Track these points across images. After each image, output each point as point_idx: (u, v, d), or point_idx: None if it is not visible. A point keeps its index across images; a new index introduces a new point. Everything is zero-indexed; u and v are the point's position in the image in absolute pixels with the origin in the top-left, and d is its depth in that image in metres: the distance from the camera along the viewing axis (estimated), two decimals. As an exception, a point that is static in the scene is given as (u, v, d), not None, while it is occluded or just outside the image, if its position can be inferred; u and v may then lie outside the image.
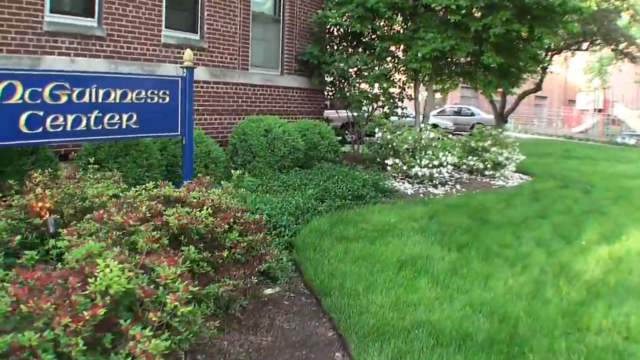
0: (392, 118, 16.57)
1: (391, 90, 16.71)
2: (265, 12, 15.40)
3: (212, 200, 5.55)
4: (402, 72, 17.21)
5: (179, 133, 9.07)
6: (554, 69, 34.70)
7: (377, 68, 15.55)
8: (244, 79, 14.40)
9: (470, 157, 15.10)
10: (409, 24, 16.23)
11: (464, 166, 15.28)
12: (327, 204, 10.26)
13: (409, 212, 10.35)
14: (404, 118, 17.30)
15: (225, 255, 5.06)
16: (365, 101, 15.87)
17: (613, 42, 32.24)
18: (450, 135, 16.24)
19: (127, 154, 9.47)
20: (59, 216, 5.63)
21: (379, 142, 14.31)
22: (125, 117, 8.22)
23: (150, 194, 5.58)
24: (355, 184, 11.38)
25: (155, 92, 8.61)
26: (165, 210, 5.07)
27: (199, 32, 13.54)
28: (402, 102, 17.30)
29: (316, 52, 15.60)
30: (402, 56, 16.59)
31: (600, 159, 22.76)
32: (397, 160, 13.35)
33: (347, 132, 18.72)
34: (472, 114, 37.84)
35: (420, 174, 12.92)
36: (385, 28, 16.34)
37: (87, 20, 11.36)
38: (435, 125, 31.71)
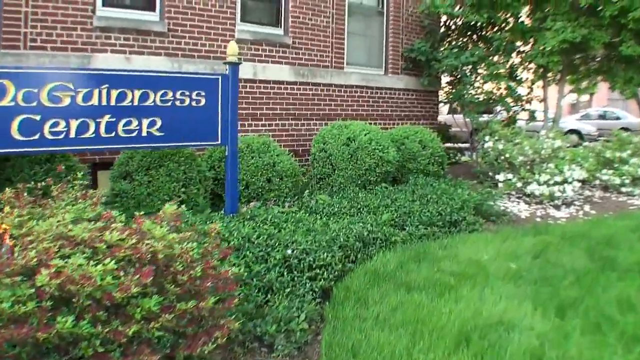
0: (519, 123, 13.93)
1: (518, 90, 14.02)
2: (365, 2, 13.13)
3: (150, 245, 3.77)
4: (529, 69, 14.42)
5: (219, 142, 7.65)
6: None
7: (495, 65, 12.81)
8: (338, 79, 12.26)
9: (604, 171, 12.17)
10: (535, 12, 13.45)
11: (597, 181, 12.35)
12: (407, 232, 8.15)
13: (511, 245, 7.94)
14: (534, 122, 14.45)
15: (130, 333, 3.39)
16: (481, 104, 13.16)
17: None
18: (585, 143, 13.25)
19: (162, 166, 7.98)
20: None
21: (490, 153, 11.65)
22: (145, 122, 6.93)
23: (59, 231, 3.83)
24: (451, 206, 9.10)
25: (187, 93, 7.24)
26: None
27: (282, 26, 11.60)
28: (530, 104, 14.52)
29: (425, 47, 13.17)
30: (528, 51, 13.76)
31: None
32: (510, 176, 10.78)
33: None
34: (618, 118, 33.59)
35: (537, 192, 10.32)
36: (508, 18, 13.63)
37: (146, 14, 9.87)
38: (575, 131, 28.88)
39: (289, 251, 6.24)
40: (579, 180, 10.86)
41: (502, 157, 11.33)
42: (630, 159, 12.10)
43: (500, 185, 10.93)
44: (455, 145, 16.95)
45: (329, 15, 12.00)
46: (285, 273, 5.90)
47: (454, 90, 13.74)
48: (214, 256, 4.35)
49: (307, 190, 9.88)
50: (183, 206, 4.92)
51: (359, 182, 10.16)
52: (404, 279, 6.46)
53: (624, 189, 12.04)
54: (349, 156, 10.11)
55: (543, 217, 9.97)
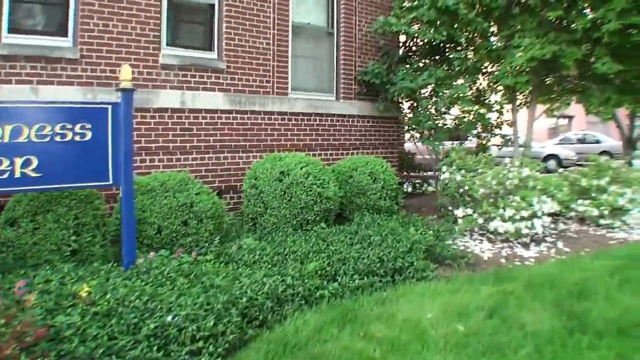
0: (495, 149, 12.71)
1: (489, 115, 12.66)
2: (313, 23, 11.66)
3: None
4: (497, 92, 13.02)
5: (110, 181, 6.61)
6: None
7: (457, 87, 11.37)
8: (281, 106, 10.82)
9: (580, 201, 10.68)
10: (501, 29, 12.05)
11: (573, 213, 10.84)
12: (339, 283, 6.69)
13: (463, 298, 6.49)
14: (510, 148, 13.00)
15: None
16: (442, 130, 11.70)
17: None
18: (560, 170, 11.74)
19: (50, 210, 6.78)
20: None
21: (450, 184, 10.17)
22: (18, 162, 5.97)
23: None
24: (396, 249, 7.60)
25: (69, 126, 6.23)
26: None
27: (215, 50, 10.16)
28: (500, 128, 13.10)
29: (380, 70, 11.69)
30: (495, 71, 12.35)
31: None
32: (469, 211, 9.28)
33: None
34: (598, 141, 32.24)
35: (501, 229, 8.83)
36: (475, 37, 12.26)
37: (57, 40, 8.70)
38: (554, 156, 27.48)
39: (169, 317, 4.87)
40: (550, 214, 9.38)
41: (461, 190, 9.87)
42: (608, 186, 10.62)
43: (459, 221, 9.42)
44: (421, 174, 15.44)
45: (269, 36, 10.60)
46: (157, 347, 4.54)
47: (411, 116, 12.21)
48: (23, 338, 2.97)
49: (234, 233, 8.46)
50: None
51: (295, 222, 8.76)
52: (317, 350, 5.05)
53: (602, 221, 10.55)
54: (282, 193, 8.72)
55: (508, 258, 8.50)
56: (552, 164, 26.93)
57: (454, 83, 11.58)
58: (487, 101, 13.11)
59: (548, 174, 11.78)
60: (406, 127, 12.98)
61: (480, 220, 9.08)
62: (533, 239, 9.30)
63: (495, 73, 11.84)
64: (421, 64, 12.49)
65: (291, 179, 8.74)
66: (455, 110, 12.37)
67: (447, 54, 12.16)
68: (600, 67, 10.59)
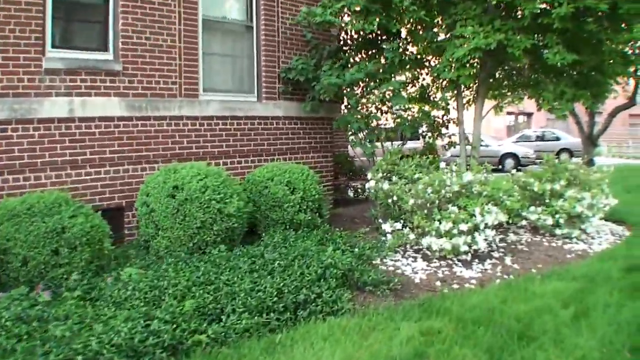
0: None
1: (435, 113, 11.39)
2: (228, 16, 10.15)
3: None
4: (442, 87, 11.67)
5: None
6: None
7: (391, 82, 9.94)
8: (191, 110, 9.31)
9: (532, 208, 9.23)
10: (442, 17, 10.66)
11: (524, 221, 9.43)
12: (222, 325, 5.20)
13: (375, 343, 5.06)
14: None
15: None
16: (370, 129, 10.27)
17: None
18: (513, 172, 10.32)
19: None
20: None
21: (379, 194, 8.71)
22: None
23: None
24: (302, 277, 6.22)
25: None
26: None
27: (110, 50, 8.61)
28: (447, 127, 11.74)
29: (306, 65, 10.20)
30: (436, 65, 10.95)
31: None
32: (398, 225, 7.80)
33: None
34: (558, 139, 30.95)
35: (435, 246, 7.36)
36: (412, 26, 10.95)
37: None
38: (512, 155, 26.07)
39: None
40: (496, 226, 7.98)
41: (390, 200, 8.43)
42: (565, 191, 9.20)
43: (388, 236, 7.95)
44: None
45: (174, 32, 9.07)
46: None
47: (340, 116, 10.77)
48: None
49: (117, 261, 7.03)
50: None
51: (191, 244, 7.32)
52: None
53: (558, 231, 9.09)
54: (175, 211, 7.27)
55: (445, 280, 7.06)
56: (509, 163, 25.58)
57: (393, 79, 10.15)
58: (432, 98, 11.71)
59: (504, 174, 10.31)
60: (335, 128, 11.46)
61: (412, 236, 7.63)
62: (477, 255, 7.87)
63: (437, 67, 10.38)
64: (357, 59, 11.07)
65: (185, 194, 7.28)
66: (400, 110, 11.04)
67: (384, 47, 10.72)
68: (552, 58, 9.20)
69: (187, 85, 9.28)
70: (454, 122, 11.65)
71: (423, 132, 11.73)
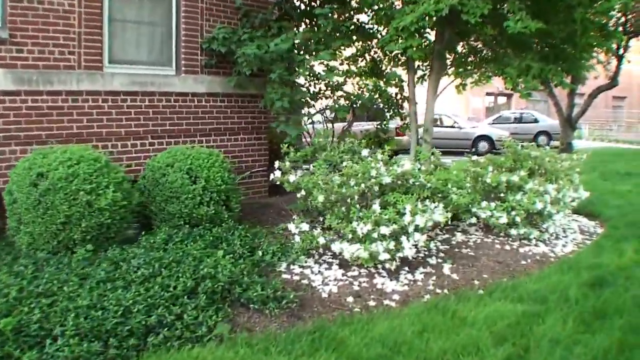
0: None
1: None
2: (141, -25, 8.37)
3: None
4: (392, 60, 9.94)
5: None
6: (631, 58, 22.98)
7: (326, 52, 8.17)
8: (93, 85, 7.62)
9: (485, 203, 7.48)
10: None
11: (474, 219, 7.66)
12: (46, 353, 3.82)
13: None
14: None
15: None
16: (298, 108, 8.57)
17: None
18: (473, 158, 8.55)
19: None
20: None
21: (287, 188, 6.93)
22: None
23: None
24: (169, 291, 4.73)
25: None
26: None
27: (-4, 16, 6.90)
28: (402, 108, 10.04)
29: (230, 34, 8.47)
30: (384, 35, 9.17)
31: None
32: (304, 226, 6.07)
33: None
34: (536, 121, 28.72)
35: (347, 254, 5.66)
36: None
37: None
38: (486, 137, 24.06)
39: None
40: (436, 226, 6.29)
41: (300, 195, 6.69)
42: (526, 182, 7.47)
43: (297, 238, 6.20)
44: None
45: (72, -7, 7.38)
46: None
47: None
48: None
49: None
50: None
51: (55, 242, 5.73)
52: None
53: (514, 231, 7.35)
54: (37, 202, 5.64)
55: (361, 295, 5.46)
56: (483, 146, 23.53)
57: (331, 50, 8.40)
58: (385, 73, 9.98)
59: (478, 158, 8.55)
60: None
61: (322, 240, 5.89)
62: (408, 261, 6.19)
63: (384, 37, 8.59)
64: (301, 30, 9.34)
65: (48, 182, 5.65)
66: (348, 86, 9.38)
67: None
68: (513, 26, 7.46)
69: (88, 56, 7.59)
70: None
71: (376, 110, 10.03)
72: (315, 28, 9.02)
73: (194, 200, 6.69)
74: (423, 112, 9.52)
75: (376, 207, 5.74)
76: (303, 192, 6.32)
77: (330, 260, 6.28)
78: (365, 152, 6.39)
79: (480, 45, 10.17)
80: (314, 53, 8.21)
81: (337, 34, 8.65)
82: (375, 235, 5.58)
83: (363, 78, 10.37)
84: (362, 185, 5.91)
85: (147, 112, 8.14)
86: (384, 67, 10.28)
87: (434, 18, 7.77)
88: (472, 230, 7.81)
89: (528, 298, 5.23)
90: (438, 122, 24.48)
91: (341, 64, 10.21)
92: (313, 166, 6.61)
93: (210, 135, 8.82)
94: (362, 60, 10.29)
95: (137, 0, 8.25)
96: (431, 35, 9.19)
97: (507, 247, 7.09)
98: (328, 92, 9.73)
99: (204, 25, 8.72)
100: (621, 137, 33.40)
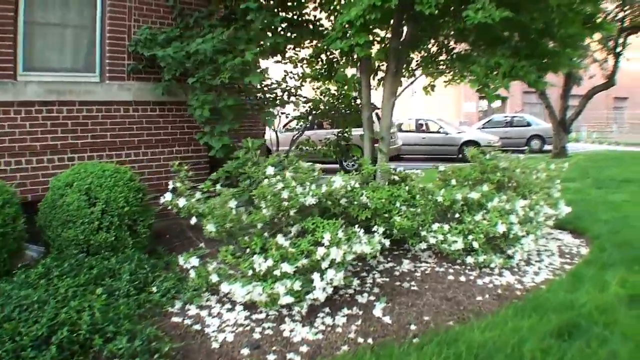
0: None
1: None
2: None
3: None
4: (348, 61, 8.67)
5: None
6: (630, 56, 21.29)
7: (250, 52, 6.87)
8: (3, 95, 6.50)
9: (436, 226, 6.08)
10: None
11: (423, 244, 6.26)
12: None
13: None
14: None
15: None
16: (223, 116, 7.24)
17: None
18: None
19: None
20: None
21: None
22: None
23: None
24: (12, 342, 3.59)
25: None
26: None
27: None
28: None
29: (153, 36, 7.24)
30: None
31: None
32: (194, 261, 4.79)
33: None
34: (529, 124, 27.07)
35: (240, 297, 4.42)
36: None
37: None
38: (473, 142, 22.40)
39: None
40: (347, 265, 5.02)
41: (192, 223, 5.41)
42: (488, 200, 6.12)
43: (191, 273, 4.91)
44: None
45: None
46: None
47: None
48: None
49: None
50: None
51: None
52: None
53: (470, 259, 5.99)
54: None
55: (259, 347, 4.21)
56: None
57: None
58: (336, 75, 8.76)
59: (465, 165, 7.24)
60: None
61: (214, 278, 4.59)
62: (331, 300, 4.89)
63: (330, 35, 7.27)
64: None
65: None
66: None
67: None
68: (473, 15, 6.14)
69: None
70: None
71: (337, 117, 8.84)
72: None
73: (92, 225, 5.48)
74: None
75: (280, 238, 4.45)
76: (195, 220, 5.00)
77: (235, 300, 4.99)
78: (270, 169, 5.05)
79: (451, 43, 8.79)
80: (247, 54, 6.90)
81: (270, 32, 7.32)
82: (278, 272, 4.29)
83: (321, 82, 9.09)
84: (265, 211, 4.63)
85: (65, 124, 6.96)
86: (342, 69, 8.93)
87: (383, 11, 6.46)
88: (425, 256, 6.41)
89: (467, 356, 3.92)
90: (423, 128, 23.52)
91: (295, 66, 8.91)
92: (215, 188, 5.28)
93: (139, 148, 7.60)
94: (317, 63, 8.98)
95: (59, 0, 7.05)
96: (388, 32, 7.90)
97: (462, 278, 5.71)
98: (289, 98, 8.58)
99: (132, 26, 7.51)
100: (622, 139, 31.54)
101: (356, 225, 5.11)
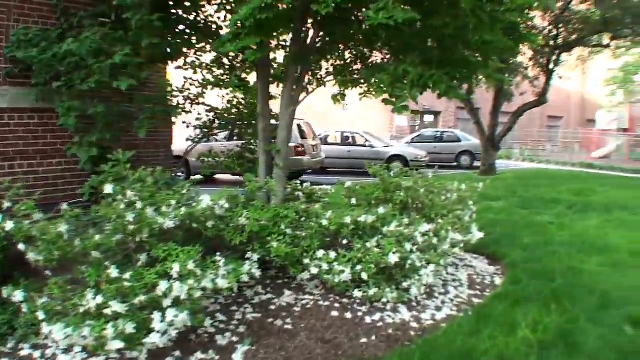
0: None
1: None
2: None
3: None
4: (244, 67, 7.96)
5: None
6: (563, 74, 21.74)
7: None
8: None
9: (321, 253, 5.19)
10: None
11: (307, 273, 5.47)
12: None
13: None
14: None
15: None
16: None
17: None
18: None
19: None
20: None
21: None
22: None
23: None
24: None
25: None
26: None
27: None
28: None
29: (25, 37, 6.38)
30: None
31: (637, 208, 11.16)
32: (17, 295, 4.00)
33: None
34: (458, 140, 26.83)
35: (60, 340, 3.63)
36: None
37: None
38: (400, 157, 21.81)
39: None
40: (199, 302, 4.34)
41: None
42: (385, 224, 5.39)
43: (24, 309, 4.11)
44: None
45: None
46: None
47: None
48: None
49: None
50: None
51: None
52: None
53: (358, 293, 5.26)
54: None
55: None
56: (397, 166, 21.42)
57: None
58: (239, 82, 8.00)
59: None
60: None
61: (41, 315, 3.79)
62: (189, 338, 4.13)
63: (222, 37, 6.50)
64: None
65: None
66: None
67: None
68: (374, 16, 5.40)
69: None
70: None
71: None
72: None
73: None
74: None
75: (113, 270, 3.67)
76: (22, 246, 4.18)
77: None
78: (109, 188, 4.27)
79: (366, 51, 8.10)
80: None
81: (149, 31, 6.50)
82: (109, 311, 3.52)
83: (228, 89, 8.33)
84: (112, 235, 3.86)
85: None
86: (235, 75, 8.14)
87: (279, 11, 5.75)
88: (311, 287, 5.66)
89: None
90: (349, 141, 23.19)
91: (195, 72, 8.11)
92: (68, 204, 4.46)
93: (15, 160, 6.67)
94: (219, 68, 8.19)
95: None
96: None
97: (349, 315, 4.98)
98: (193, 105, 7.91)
99: (11, 26, 6.61)
100: (554, 157, 31.43)
101: (229, 252, 4.38)
